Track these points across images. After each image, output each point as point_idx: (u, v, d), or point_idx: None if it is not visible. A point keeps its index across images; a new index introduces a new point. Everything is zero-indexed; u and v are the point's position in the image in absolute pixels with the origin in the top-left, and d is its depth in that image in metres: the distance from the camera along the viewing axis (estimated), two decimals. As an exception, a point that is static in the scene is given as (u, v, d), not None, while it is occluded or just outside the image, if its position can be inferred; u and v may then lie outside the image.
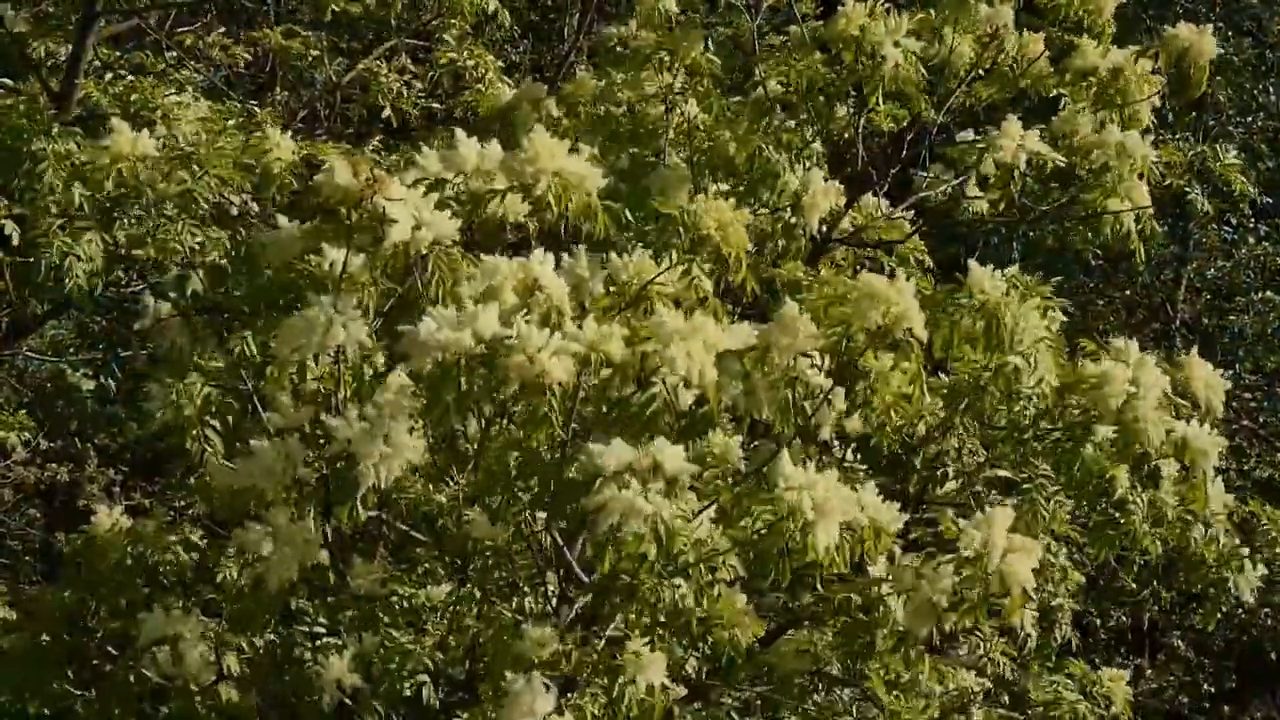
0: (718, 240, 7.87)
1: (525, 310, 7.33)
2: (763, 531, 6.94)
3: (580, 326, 7.26)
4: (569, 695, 7.40)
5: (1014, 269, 7.97)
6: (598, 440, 7.05)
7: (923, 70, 10.14)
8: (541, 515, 7.70)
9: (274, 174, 8.46)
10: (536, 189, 7.66)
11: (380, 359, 7.76)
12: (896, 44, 9.97)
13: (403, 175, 7.79)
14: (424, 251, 7.48)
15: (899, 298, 7.29)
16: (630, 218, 8.62)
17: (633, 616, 7.56)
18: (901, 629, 7.30)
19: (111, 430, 15.35)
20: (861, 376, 7.40)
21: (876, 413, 7.66)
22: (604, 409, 7.33)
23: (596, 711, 7.31)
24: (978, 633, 9.30)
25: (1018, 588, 7.06)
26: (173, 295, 8.84)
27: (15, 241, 9.21)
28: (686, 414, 7.38)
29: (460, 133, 7.93)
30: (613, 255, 7.89)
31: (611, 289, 7.81)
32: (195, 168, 8.40)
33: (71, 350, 14.49)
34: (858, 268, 10.48)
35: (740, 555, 7.17)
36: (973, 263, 7.94)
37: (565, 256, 7.81)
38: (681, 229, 7.92)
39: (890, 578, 7.30)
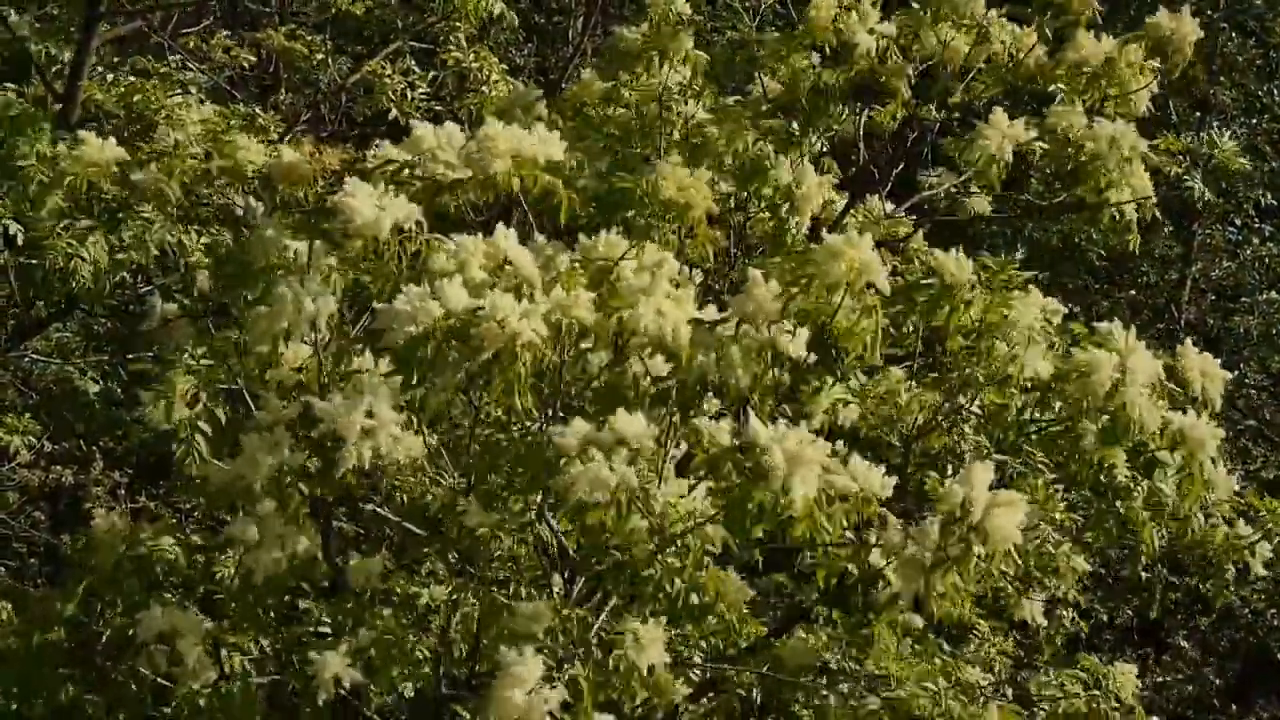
0: (682, 203, 7.89)
1: (495, 285, 7.36)
2: (737, 489, 6.93)
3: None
4: (565, 668, 7.34)
5: (988, 256, 8.01)
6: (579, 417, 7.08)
7: (900, 55, 10.17)
8: (535, 500, 7.69)
9: (246, 175, 8.55)
10: (491, 169, 7.67)
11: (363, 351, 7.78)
12: (871, 31, 10.02)
13: (365, 165, 7.85)
14: (385, 235, 7.50)
15: (860, 251, 7.37)
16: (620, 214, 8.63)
17: (629, 600, 7.53)
18: (894, 591, 7.30)
19: (117, 433, 15.35)
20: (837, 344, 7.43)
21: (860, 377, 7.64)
22: (581, 384, 7.35)
23: (591, 680, 7.27)
24: (976, 631, 9.30)
25: (1002, 542, 7.02)
26: (176, 294, 8.90)
27: (20, 242, 9.25)
28: (664, 385, 7.41)
29: (415, 122, 7.96)
30: (582, 237, 7.94)
31: (581, 268, 7.80)
32: (162, 169, 8.48)
33: (77, 353, 14.50)
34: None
35: (725, 523, 7.15)
36: (939, 252, 7.98)
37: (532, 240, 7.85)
38: (645, 198, 7.94)
39: (880, 542, 7.29)
